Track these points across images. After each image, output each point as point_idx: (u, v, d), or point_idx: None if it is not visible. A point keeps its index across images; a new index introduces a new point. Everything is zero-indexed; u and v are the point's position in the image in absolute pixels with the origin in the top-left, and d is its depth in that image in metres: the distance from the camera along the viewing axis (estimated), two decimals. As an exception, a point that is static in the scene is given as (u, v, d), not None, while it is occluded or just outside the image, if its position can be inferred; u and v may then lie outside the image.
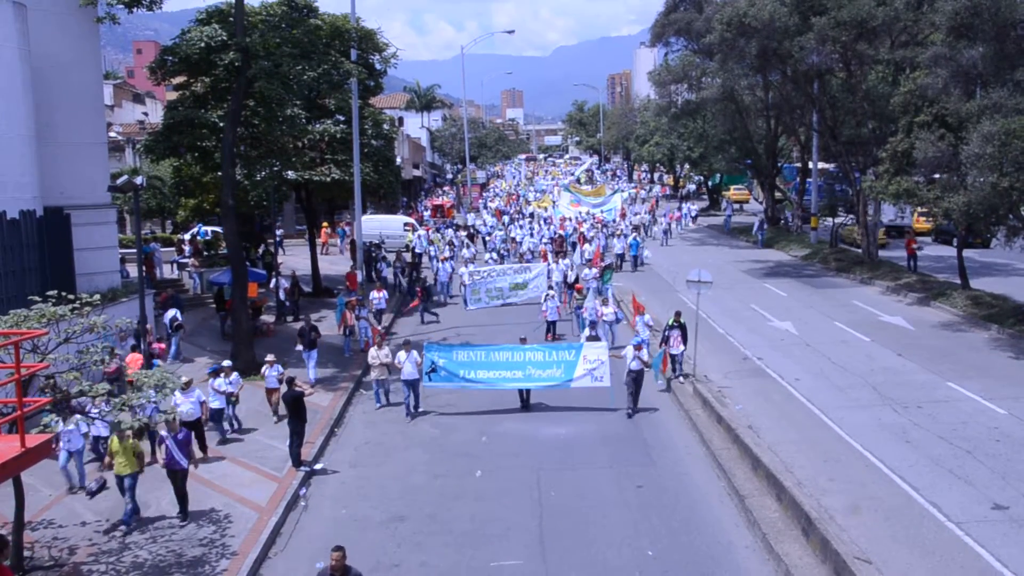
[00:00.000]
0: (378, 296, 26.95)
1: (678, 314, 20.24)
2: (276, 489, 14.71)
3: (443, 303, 31.37)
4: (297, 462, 15.66)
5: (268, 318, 27.73)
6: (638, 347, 18.21)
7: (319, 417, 18.48)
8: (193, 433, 14.88)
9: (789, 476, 13.66)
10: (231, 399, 17.44)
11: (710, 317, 26.68)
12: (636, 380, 18.17)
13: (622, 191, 60.81)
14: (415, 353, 18.52)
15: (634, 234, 40.10)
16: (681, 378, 19.76)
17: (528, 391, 18.62)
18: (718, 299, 28.72)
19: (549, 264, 30.82)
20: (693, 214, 54.66)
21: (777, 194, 50.46)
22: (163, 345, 21.23)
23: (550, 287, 27.48)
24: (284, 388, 16.66)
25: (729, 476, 14.58)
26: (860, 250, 35.90)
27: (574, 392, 18.56)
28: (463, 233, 43.70)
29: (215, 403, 17.07)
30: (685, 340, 20.01)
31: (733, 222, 53.11)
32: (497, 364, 18.39)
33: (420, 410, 18.77)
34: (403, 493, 14.56)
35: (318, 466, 15.93)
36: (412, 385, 18.58)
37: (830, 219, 41.43)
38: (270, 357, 18.65)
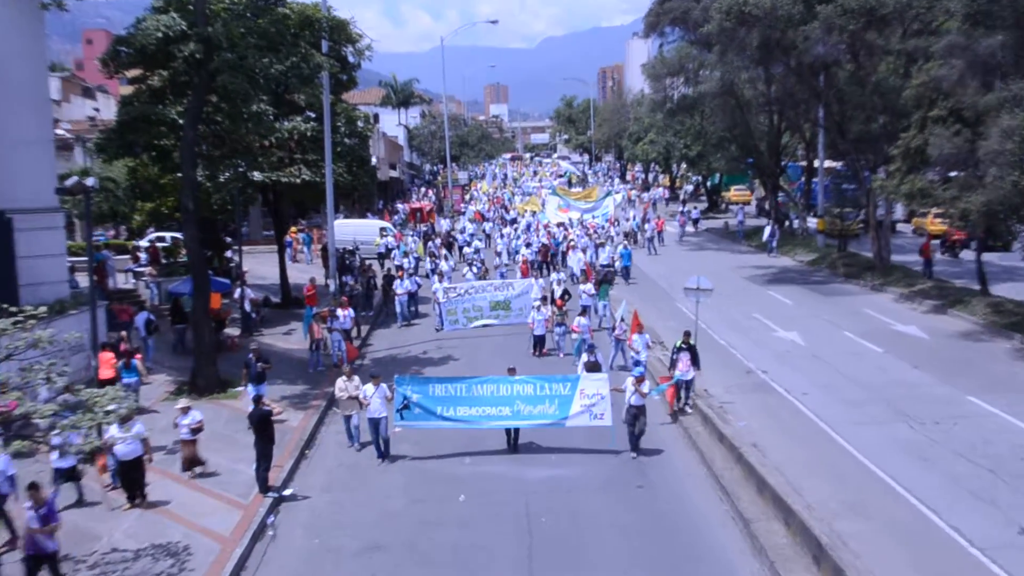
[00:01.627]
0: (343, 314, 25.79)
1: (687, 335, 19.41)
2: (241, 517, 14.57)
3: (405, 321, 30.01)
4: (264, 487, 15.54)
5: (232, 331, 27.61)
6: (639, 380, 17.15)
7: (288, 438, 18.35)
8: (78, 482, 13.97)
9: (798, 499, 13.61)
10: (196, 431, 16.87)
11: (710, 327, 26.63)
12: (637, 418, 17.02)
13: (616, 192, 60.84)
14: (384, 387, 17.37)
15: (624, 242, 39.28)
16: (689, 407, 19.01)
17: (516, 430, 17.48)
18: (719, 308, 28.58)
19: (531, 279, 30.04)
20: (694, 216, 54.41)
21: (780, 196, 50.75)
22: (140, 356, 21.08)
23: (543, 297, 26.96)
24: (251, 407, 16.44)
25: (733, 499, 14.50)
26: (871, 254, 36.03)
27: (568, 432, 17.44)
28: (436, 241, 42.73)
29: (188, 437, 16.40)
30: (696, 363, 19.05)
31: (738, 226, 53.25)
32: (480, 399, 17.27)
33: (391, 455, 17.49)
34: (380, 520, 14.45)
35: (287, 492, 15.83)
36: (380, 424, 17.29)
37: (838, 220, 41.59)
38: (182, 403, 16.94)
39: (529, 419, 17.27)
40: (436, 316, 28.81)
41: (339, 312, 25.35)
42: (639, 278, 37.86)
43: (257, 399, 16.05)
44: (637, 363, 20.49)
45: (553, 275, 30.81)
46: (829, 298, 31.73)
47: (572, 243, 38.82)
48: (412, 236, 47.17)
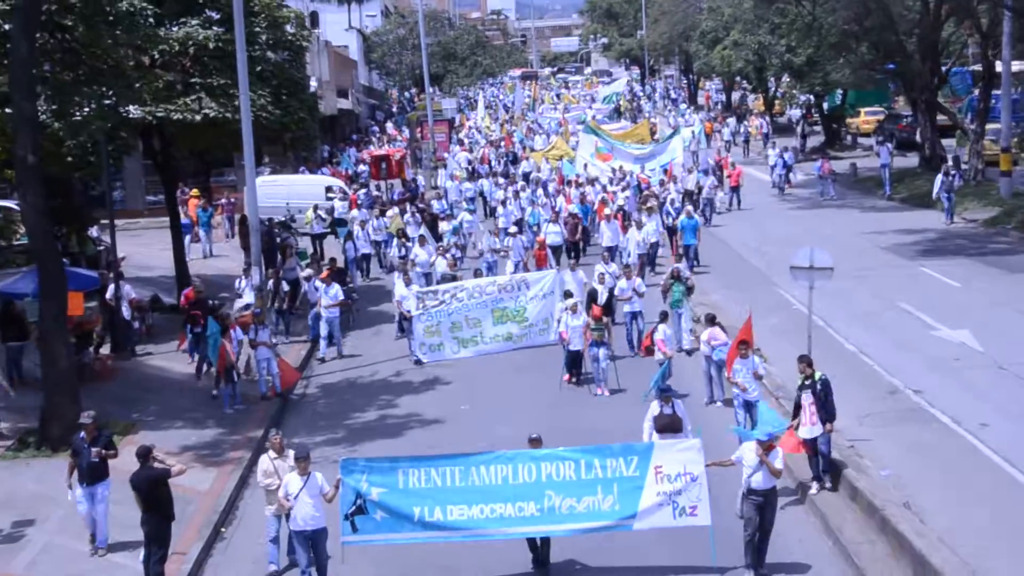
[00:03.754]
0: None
1: (808, 363, 18.38)
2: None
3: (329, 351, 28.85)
4: (156, 591, 15.49)
5: (102, 349, 27.66)
6: (767, 446, 15.67)
7: (194, 511, 18.25)
8: None
9: (979, 586, 13.66)
10: None
11: (830, 324, 26.46)
12: (762, 510, 15.60)
13: (688, 126, 60.03)
14: (319, 478, 15.83)
15: (688, 208, 36.82)
16: (825, 484, 18.13)
17: (547, 540, 16.21)
18: (844, 295, 28.53)
19: (556, 270, 28.49)
20: (788, 162, 52.63)
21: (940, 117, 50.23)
22: None
23: (569, 294, 25.70)
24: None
25: (876, 588, 14.56)
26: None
27: (637, 538, 16.35)
28: (408, 212, 40.50)
29: None
30: (827, 411, 17.97)
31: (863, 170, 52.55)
32: (486, 491, 15.92)
33: None
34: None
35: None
36: (316, 541, 15.82)
37: None
38: None
39: (570, 520, 15.99)
40: (406, 338, 27.85)
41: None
42: (718, 251, 37.79)
43: (145, 455, 16.05)
44: (748, 405, 19.87)
45: (600, 267, 28.28)
46: (1019, 276, 31.65)
47: (622, 210, 37.64)
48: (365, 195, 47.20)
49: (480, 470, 16.05)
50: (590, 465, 16.02)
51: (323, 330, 28.36)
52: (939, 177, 40.97)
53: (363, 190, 50.10)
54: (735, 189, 47.38)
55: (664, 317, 24.47)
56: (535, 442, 16.64)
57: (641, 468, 15.92)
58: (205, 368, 25.37)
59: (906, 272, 33.00)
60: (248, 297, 28.34)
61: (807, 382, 18.13)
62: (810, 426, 17.91)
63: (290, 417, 24.21)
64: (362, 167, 60.32)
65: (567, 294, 25.66)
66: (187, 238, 37.07)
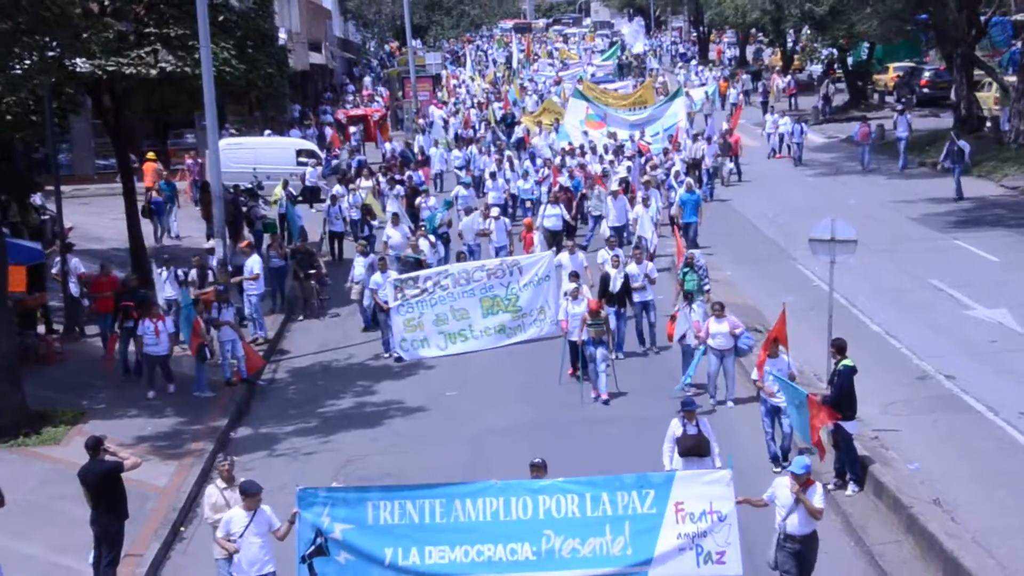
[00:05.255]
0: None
1: (838, 348, 18.28)
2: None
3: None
4: (109, 595, 15.40)
5: (46, 330, 27.63)
6: (803, 481, 14.61)
7: (150, 509, 18.26)
8: None
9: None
10: None
11: (854, 304, 26.52)
12: (801, 560, 14.75)
13: (698, 86, 59.26)
14: (268, 513, 14.99)
15: (688, 181, 35.74)
16: (852, 485, 17.98)
17: None
18: (869, 271, 28.55)
19: (552, 252, 27.84)
20: (798, 132, 51.14)
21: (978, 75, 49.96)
22: None
23: (575, 276, 24.67)
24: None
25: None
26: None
27: None
28: (372, 185, 39.48)
29: None
30: (833, 400, 17.86)
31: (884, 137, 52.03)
32: (472, 530, 14.91)
33: None
34: None
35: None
36: None
37: None
38: None
39: (572, 567, 14.88)
40: (381, 331, 26.90)
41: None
42: (731, 223, 37.82)
43: (95, 446, 15.99)
44: (776, 412, 18.92)
45: (604, 252, 27.05)
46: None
47: (627, 182, 36.15)
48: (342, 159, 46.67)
49: (466, 504, 14.85)
50: (597, 500, 14.80)
51: (245, 308, 27.93)
52: (946, 145, 40.25)
53: (332, 155, 49.51)
54: (734, 158, 46.32)
55: (689, 296, 23.36)
56: (537, 469, 15.47)
57: (659, 504, 14.73)
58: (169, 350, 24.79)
59: (938, 245, 32.90)
60: (169, 291, 27.53)
61: (838, 367, 17.99)
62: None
63: (257, 405, 24.23)
64: (353, 128, 58.98)
65: (573, 275, 24.55)
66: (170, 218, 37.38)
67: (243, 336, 25.47)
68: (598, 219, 34.43)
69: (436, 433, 21.75)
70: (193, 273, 28.01)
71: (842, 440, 17.89)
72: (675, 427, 16.92)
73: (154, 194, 39.78)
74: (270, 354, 27.16)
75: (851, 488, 17.83)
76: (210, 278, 27.67)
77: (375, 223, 35.91)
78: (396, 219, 32.47)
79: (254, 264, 28.39)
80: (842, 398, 17.75)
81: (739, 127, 52.09)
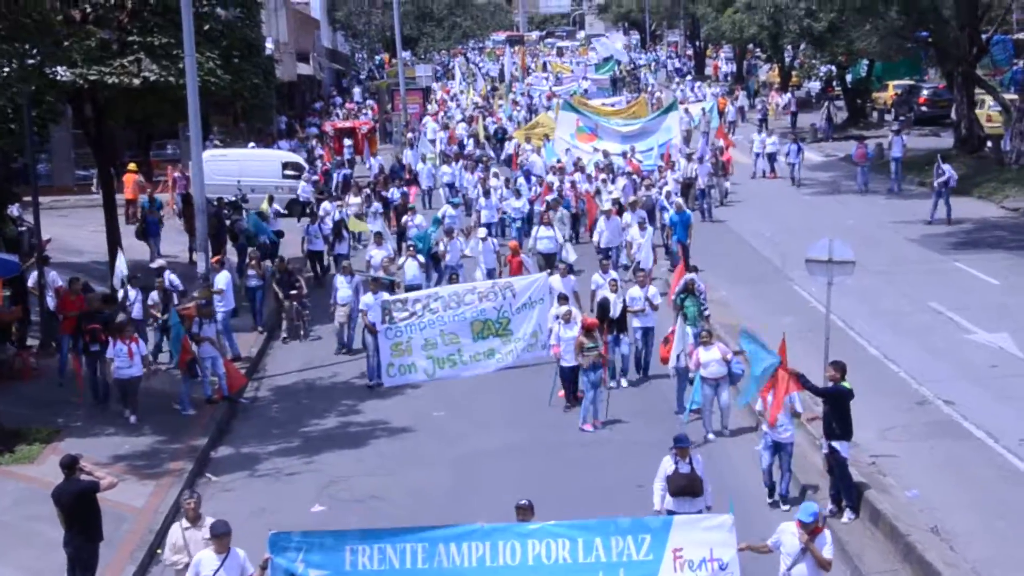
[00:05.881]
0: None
1: (840, 370, 18.20)
2: None
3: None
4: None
5: (21, 345, 27.51)
6: (812, 528, 14.20)
7: (127, 529, 18.24)
8: None
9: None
10: None
11: (851, 326, 26.66)
12: None
13: (696, 101, 58.55)
14: (240, 556, 14.75)
15: (678, 202, 36.01)
16: (848, 512, 18.05)
17: None
18: (867, 293, 28.63)
19: (546, 274, 27.14)
20: (795, 153, 50.32)
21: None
22: None
23: (564, 299, 24.92)
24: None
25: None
26: None
27: None
28: (361, 201, 38.97)
29: None
30: (829, 420, 17.99)
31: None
32: (456, 574, 14.56)
33: None
34: None
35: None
36: None
37: None
38: None
39: None
40: (365, 354, 26.40)
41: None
42: (726, 241, 37.89)
43: (70, 465, 15.98)
44: (778, 447, 18.66)
45: (597, 277, 26.97)
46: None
47: (618, 204, 35.33)
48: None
49: (450, 549, 14.35)
50: (590, 545, 14.26)
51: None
52: (935, 167, 39.74)
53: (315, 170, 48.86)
54: (727, 176, 46.28)
55: (684, 316, 23.58)
56: (524, 512, 14.99)
57: (656, 551, 14.19)
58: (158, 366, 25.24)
59: (937, 267, 32.97)
60: (136, 311, 27.27)
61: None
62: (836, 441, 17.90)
63: (239, 423, 24.18)
64: (348, 142, 58.29)
65: (562, 298, 24.64)
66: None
67: (224, 353, 25.37)
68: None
69: (422, 454, 21.75)
70: (154, 295, 27.45)
71: (836, 465, 17.95)
72: (666, 465, 16.61)
73: (147, 213, 39.23)
74: (250, 373, 27.02)
75: (847, 515, 17.86)
76: (175, 299, 27.47)
77: (359, 244, 35.92)
78: (379, 238, 32.46)
79: (220, 280, 28.16)
80: (831, 404, 17.89)
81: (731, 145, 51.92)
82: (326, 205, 38.17)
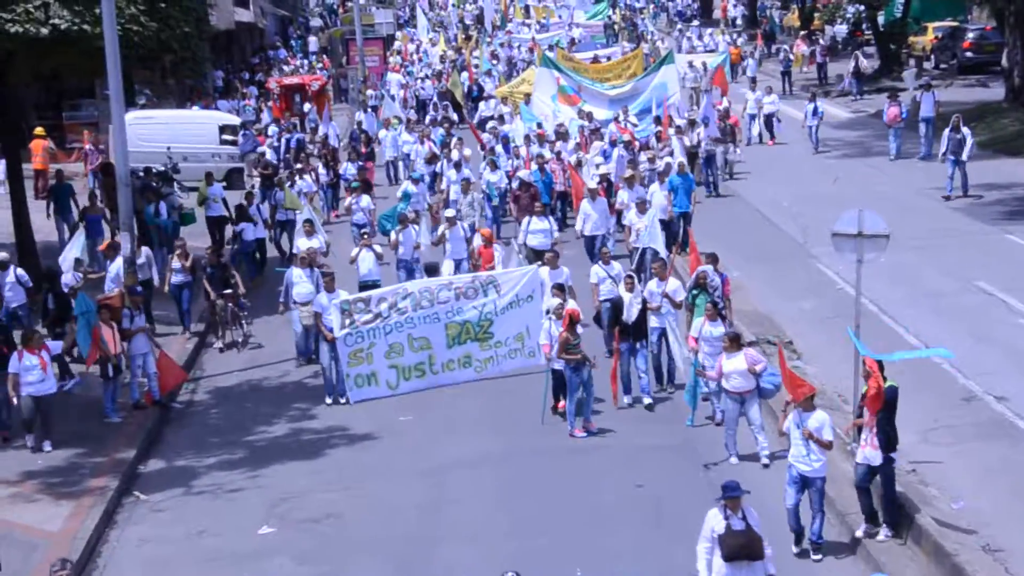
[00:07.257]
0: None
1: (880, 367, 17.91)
2: None
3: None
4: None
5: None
6: None
7: (39, 558, 17.85)
8: None
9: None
10: None
11: (884, 310, 26.54)
12: None
13: (711, 51, 58.94)
14: None
15: (681, 161, 35.61)
16: (885, 531, 17.89)
17: None
18: (904, 271, 28.60)
19: (536, 266, 26.25)
20: (811, 114, 50.12)
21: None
22: None
23: (561, 288, 24.04)
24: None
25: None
26: None
27: None
28: (305, 178, 38.26)
29: None
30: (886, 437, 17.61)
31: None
32: None
33: None
34: None
35: None
36: None
37: None
38: None
39: None
40: (322, 366, 25.43)
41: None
42: (739, 213, 37.89)
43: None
44: (806, 482, 18.16)
45: (599, 269, 26.13)
46: None
47: (605, 179, 34.81)
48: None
49: None
50: None
51: None
52: (945, 132, 39.07)
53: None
54: (733, 141, 45.06)
55: (693, 308, 23.36)
56: None
57: None
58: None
59: (986, 240, 32.94)
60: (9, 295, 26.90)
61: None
62: (870, 449, 17.56)
63: (172, 431, 23.96)
64: (308, 106, 57.32)
65: (557, 288, 23.68)
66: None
67: (158, 345, 24.84)
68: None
69: (387, 466, 21.63)
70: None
71: (885, 479, 17.64)
72: (714, 521, 15.23)
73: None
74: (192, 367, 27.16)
75: (884, 532, 17.75)
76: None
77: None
78: (309, 226, 30.43)
79: (115, 269, 27.45)
80: (888, 409, 17.52)
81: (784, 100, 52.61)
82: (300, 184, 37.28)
